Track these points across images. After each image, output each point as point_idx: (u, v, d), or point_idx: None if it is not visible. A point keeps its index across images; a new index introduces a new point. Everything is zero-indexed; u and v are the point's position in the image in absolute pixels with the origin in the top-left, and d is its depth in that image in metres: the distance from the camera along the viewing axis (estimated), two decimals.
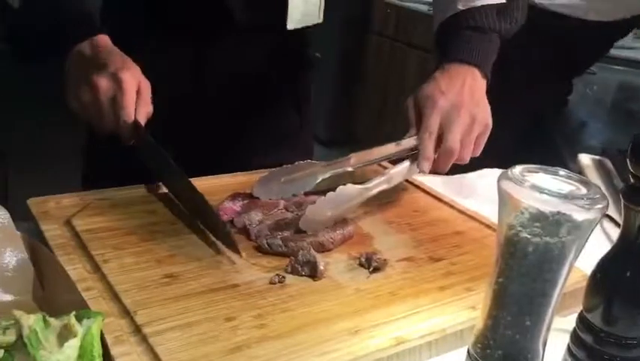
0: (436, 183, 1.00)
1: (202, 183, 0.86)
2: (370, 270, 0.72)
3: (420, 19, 3.29)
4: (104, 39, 0.83)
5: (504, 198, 0.49)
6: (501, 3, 0.95)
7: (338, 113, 3.68)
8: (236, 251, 0.73)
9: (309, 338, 0.60)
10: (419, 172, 0.86)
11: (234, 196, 0.85)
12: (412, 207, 0.91)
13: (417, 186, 0.97)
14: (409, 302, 0.68)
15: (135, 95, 0.79)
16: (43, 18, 0.84)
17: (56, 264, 0.66)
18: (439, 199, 0.94)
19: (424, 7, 3.28)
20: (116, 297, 0.64)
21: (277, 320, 0.63)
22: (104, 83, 0.78)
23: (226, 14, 0.95)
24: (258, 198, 0.84)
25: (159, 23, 0.95)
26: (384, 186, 0.83)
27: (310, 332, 0.61)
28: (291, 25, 0.98)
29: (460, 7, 0.95)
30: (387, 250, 0.77)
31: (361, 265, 0.74)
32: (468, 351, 0.55)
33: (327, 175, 0.84)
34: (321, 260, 0.70)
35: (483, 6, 0.94)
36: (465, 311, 0.67)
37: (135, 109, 0.79)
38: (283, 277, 0.70)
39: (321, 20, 1.01)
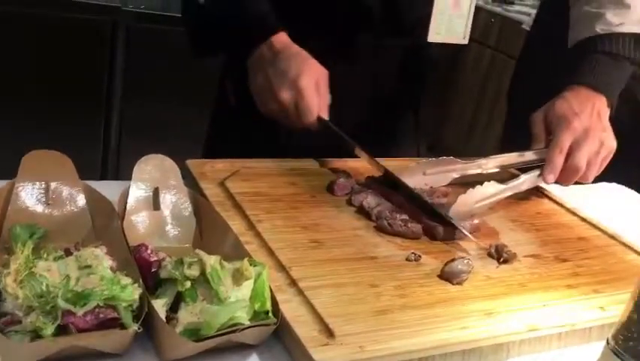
0: (558, 191, 1.02)
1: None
2: (500, 260, 0.76)
3: (524, 32, 3.25)
4: (282, 38, 0.90)
5: None
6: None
7: (428, 119, 3.70)
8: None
9: (447, 313, 0.65)
10: (542, 182, 0.93)
11: (349, 175, 0.91)
12: (536, 210, 0.94)
13: (540, 191, 0.99)
14: (538, 295, 0.71)
15: (316, 97, 0.87)
16: (227, 16, 0.91)
17: (219, 218, 0.74)
18: (562, 205, 0.96)
19: (530, 20, 3.24)
20: (271, 253, 0.70)
21: (417, 293, 0.68)
22: (286, 95, 0.87)
23: (366, 17, 1.00)
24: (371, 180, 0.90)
25: (301, 26, 0.97)
26: (520, 189, 0.90)
27: (448, 307, 0.66)
28: (432, 39, 1.02)
29: (599, 30, 0.97)
30: (514, 245, 0.80)
31: (490, 255, 0.78)
32: (607, 341, 0.58)
33: (462, 173, 0.91)
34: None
35: (622, 33, 0.96)
36: (594, 310, 0.69)
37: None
38: (419, 256, 0.74)
39: (466, 42, 1.04)
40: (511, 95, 2.50)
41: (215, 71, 1.20)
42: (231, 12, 0.91)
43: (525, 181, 0.91)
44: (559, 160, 0.89)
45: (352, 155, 0.92)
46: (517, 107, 1.77)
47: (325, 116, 0.89)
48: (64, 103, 2.15)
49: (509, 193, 0.89)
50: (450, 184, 0.91)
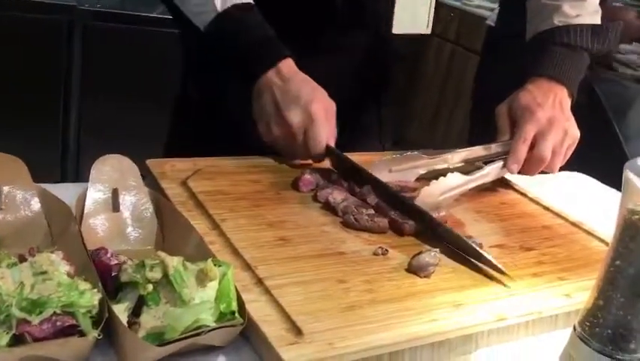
0: (520, 181, 1.03)
1: None
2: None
3: (483, 26, 3.29)
4: (289, 63, 0.88)
5: (629, 186, 0.52)
6: (597, 24, 1.00)
7: (393, 113, 3.71)
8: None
9: (416, 306, 0.64)
10: (507, 173, 0.94)
11: (314, 170, 0.89)
12: (499, 200, 0.94)
13: (503, 182, 1.00)
14: (505, 284, 0.71)
15: (326, 125, 0.85)
16: (232, 42, 0.88)
17: (181, 218, 0.72)
18: (524, 195, 0.97)
19: (488, 14, 3.28)
20: (236, 252, 0.69)
21: (385, 287, 0.67)
22: (296, 118, 0.85)
23: (330, 12, 0.99)
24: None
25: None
26: (485, 180, 0.91)
27: (416, 300, 0.65)
28: (397, 30, 1.03)
29: (557, 22, 1.00)
30: (479, 236, 0.81)
31: None
32: (574, 328, 0.58)
33: (428, 169, 0.92)
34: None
35: (579, 25, 0.99)
36: (560, 298, 0.70)
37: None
38: (386, 250, 0.74)
39: (429, 31, 1.05)
40: (475, 92, 2.53)
41: (175, 70, 1.17)
42: (237, 37, 0.88)
43: (490, 172, 0.92)
44: (523, 150, 0.90)
45: None
46: (482, 103, 1.79)
47: (332, 144, 0.88)
48: (21, 104, 2.09)
49: (474, 184, 0.90)
50: (417, 180, 0.90)
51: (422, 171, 0.91)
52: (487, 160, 0.96)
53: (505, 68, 1.34)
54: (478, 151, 0.96)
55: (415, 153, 0.91)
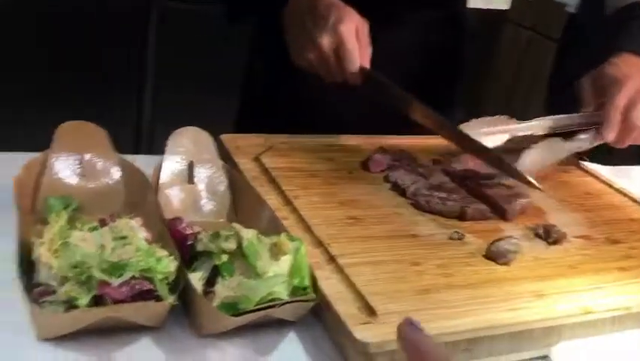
0: (605, 172, 0.98)
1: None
2: (550, 241, 0.72)
3: (563, 13, 3.15)
4: None
5: None
6: None
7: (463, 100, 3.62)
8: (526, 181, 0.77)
9: (496, 293, 0.62)
10: (601, 141, 0.88)
11: (385, 150, 0.88)
12: (584, 190, 0.89)
13: (587, 172, 0.95)
14: (590, 277, 0.67)
15: (356, 44, 0.82)
16: None
17: (254, 193, 0.72)
18: (610, 185, 0.91)
19: (570, 1, 3.13)
20: (308, 229, 0.68)
21: (462, 272, 0.64)
22: (325, 40, 0.81)
23: None
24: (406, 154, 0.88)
25: None
26: (582, 146, 0.89)
27: (496, 288, 0.63)
28: (474, 4, 0.99)
29: None
30: (562, 225, 0.76)
31: (537, 235, 0.74)
32: None
33: (513, 135, 0.88)
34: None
35: None
36: None
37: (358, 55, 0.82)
38: (463, 234, 0.71)
39: (507, 7, 1.02)
40: (552, 80, 2.42)
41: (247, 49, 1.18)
42: None
43: (586, 139, 0.88)
44: (617, 118, 0.85)
45: (392, 126, 0.89)
46: (560, 93, 1.71)
47: (367, 64, 0.84)
48: (98, 83, 2.16)
49: (573, 151, 0.89)
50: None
51: (509, 137, 0.87)
52: (570, 130, 0.92)
53: (586, 58, 1.28)
54: (561, 120, 0.92)
55: (506, 116, 0.88)
